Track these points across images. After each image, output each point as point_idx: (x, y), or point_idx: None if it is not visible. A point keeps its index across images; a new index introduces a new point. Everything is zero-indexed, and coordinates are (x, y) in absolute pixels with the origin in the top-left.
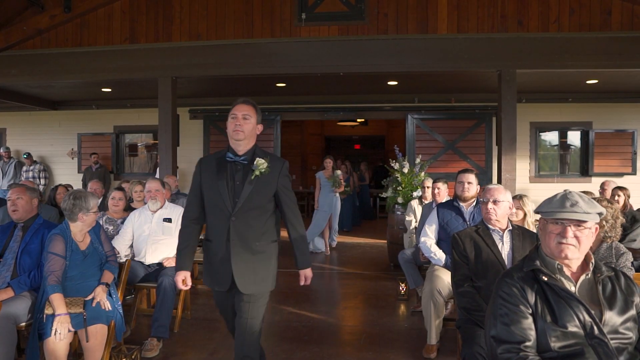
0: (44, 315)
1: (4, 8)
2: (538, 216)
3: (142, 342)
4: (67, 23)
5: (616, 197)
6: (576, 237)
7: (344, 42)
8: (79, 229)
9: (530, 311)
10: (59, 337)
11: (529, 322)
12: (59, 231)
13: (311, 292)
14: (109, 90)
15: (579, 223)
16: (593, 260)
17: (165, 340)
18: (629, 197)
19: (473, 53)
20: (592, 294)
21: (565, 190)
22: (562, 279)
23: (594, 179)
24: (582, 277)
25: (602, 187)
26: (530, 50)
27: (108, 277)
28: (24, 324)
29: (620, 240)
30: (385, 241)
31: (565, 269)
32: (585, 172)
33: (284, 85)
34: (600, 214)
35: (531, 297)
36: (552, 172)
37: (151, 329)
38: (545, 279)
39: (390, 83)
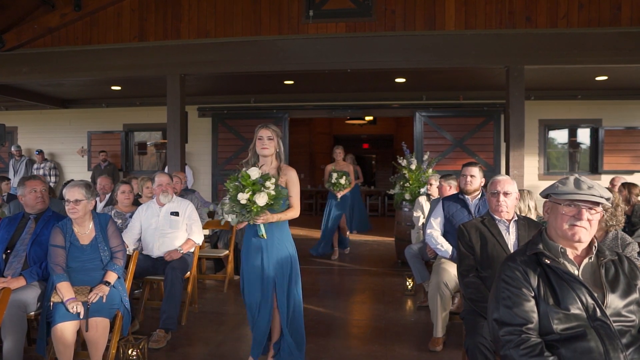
0: (51, 303)
1: (15, 7)
2: (540, 211)
3: (150, 333)
4: (77, 21)
5: (616, 189)
6: (588, 220)
7: (352, 39)
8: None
9: (532, 294)
10: (77, 308)
11: (531, 304)
12: (58, 224)
13: (319, 287)
14: (119, 88)
15: (592, 207)
16: (596, 244)
17: (173, 332)
18: (637, 195)
19: (481, 49)
20: (595, 277)
21: (573, 173)
22: (565, 262)
23: (603, 176)
24: (585, 261)
25: (612, 183)
26: (539, 47)
27: (111, 277)
28: (33, 312)
29: (630, 235)
30: (393, 238)
31: (569, 253)
32: (594, 169)
33: (291, 82)
34: (608, 199)
35: (534, 280)
36: (562, 170)
37: (159, 321)
38: (548, 261)
39: (397, 80)
